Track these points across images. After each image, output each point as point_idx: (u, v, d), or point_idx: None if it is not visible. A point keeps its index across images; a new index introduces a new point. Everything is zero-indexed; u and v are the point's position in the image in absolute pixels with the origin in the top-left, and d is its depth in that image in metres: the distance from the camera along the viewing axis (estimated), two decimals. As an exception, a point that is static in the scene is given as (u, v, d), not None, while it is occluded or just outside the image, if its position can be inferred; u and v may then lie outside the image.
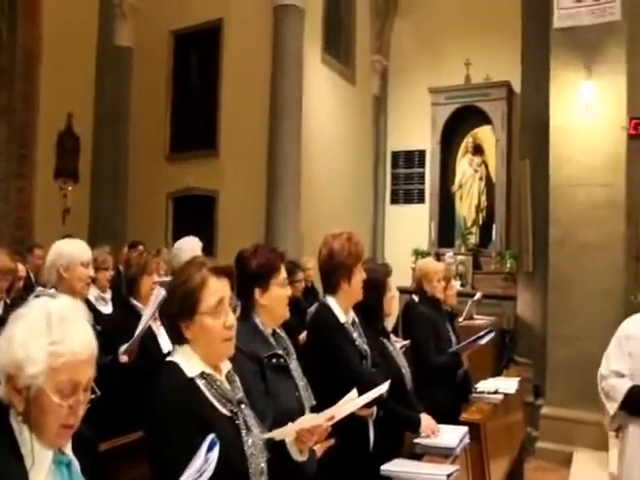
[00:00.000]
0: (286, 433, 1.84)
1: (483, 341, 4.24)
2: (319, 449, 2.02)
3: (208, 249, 5.92)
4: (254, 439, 1.79)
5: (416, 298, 4.56)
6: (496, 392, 4.28)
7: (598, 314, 5.63)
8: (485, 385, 4.47)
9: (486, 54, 11.15)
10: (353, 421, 2.22)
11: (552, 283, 6.12)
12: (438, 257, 10.97)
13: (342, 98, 11.72)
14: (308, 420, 1.86)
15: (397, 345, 3.61)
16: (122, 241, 8.35)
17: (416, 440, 3.09)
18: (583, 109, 5.82)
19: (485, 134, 11.57)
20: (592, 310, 5.75)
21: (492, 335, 4.56)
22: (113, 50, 10.15)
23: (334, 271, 2.69)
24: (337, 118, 11.51)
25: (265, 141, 9.33)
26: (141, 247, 5.75)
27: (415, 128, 12.26)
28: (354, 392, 1.93)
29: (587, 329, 5.65)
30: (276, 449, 1.86)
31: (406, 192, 12.83)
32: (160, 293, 3.01)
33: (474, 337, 4.17)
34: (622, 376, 3.23)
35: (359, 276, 2.71)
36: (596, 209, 5.88)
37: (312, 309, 2.81)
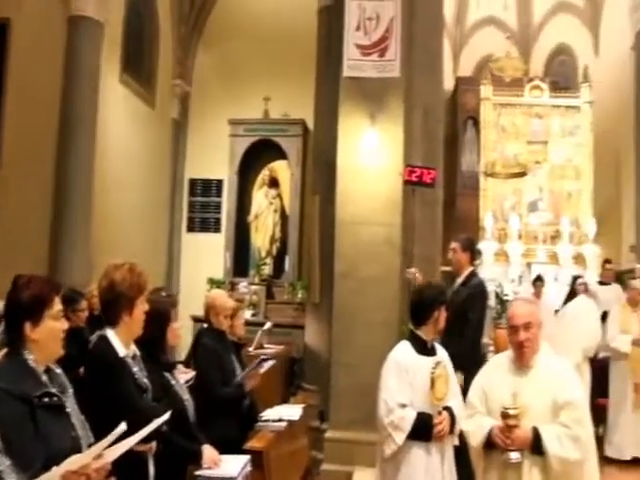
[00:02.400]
0: (50, 478, 1.75)
1: (262, 369, 4.39)
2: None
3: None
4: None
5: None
6: (280, 420, 4.43)
7: (376, 343, 6.06)
8: (270, 413, 4.61)
9: (285, 92, 11.67)
10: (132, 456, 2.18)
11: (336, 313, 6.50)
12: (233, 286, 11.10)
13: (140, 120, 11.45)
14: (73, 461, 1.79)
15: (182, 377, 3.61)
16: None
17: (197, 472, 3.10)
18: (367, 154, 6.33)
19: (281, 168, 12.05)
20: (371, 339, 6.19)
21: (271, 363, 4.74)
22: None
23: (115, 302, 2.63)
24: (134, 141, 11.21)
25: (53, 158, 8.78)
26: None
27: (214, 157, 12.36)
28: (122, 426, 1.90)
29: (366, 357, 6.06)
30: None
31: (203, 220, 12.83)
32: None
33: (252, 366, 4.30)
34: (404, 406, 3.51)
35: (141, 308, 2.67)
36: (376, 246, 6.37)
37: (93, 337, 2.71)
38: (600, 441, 7.40)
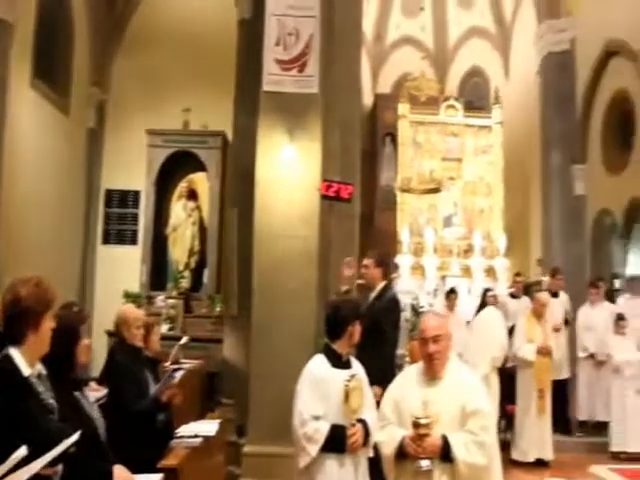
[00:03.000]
0: None
1: (174, 380, 4.34)
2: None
3: None
4: None
5: (121, 343, 4.49)
6: (196, 436, 4.38)
7: (294, 356, 6.08)
8: (186, 429, 4.54)
9: (205, 103, 11.58)
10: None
11: (254, 327, 6.49)
12: (150, 300, 10.86)
13: (53, 128, 11.06)
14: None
15: (93, 395, 3.51)
16: None
17: (108, 493, 3.01)
18: (285, 168, 6.40)
19: (200, 180, 11.93)
20: (288, 352, 6.21)
21: (182, 372, 4.70)
22: None
23: (19, 319, 2.53)
24: (46, 149, 10.81)
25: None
26: None
27: (131, 168, 12.09)
28: (22, 450, 1.83)
29: (284, 370, 6.07)
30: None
31: (119, 232, 12.49)
32: None
33: (164, 379, 4.25)
34: (318, 418, 3.55)
35: (48, 325, 2.59)
36: (293, 259, 6.43)
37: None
38: (508, 446, 7.75)
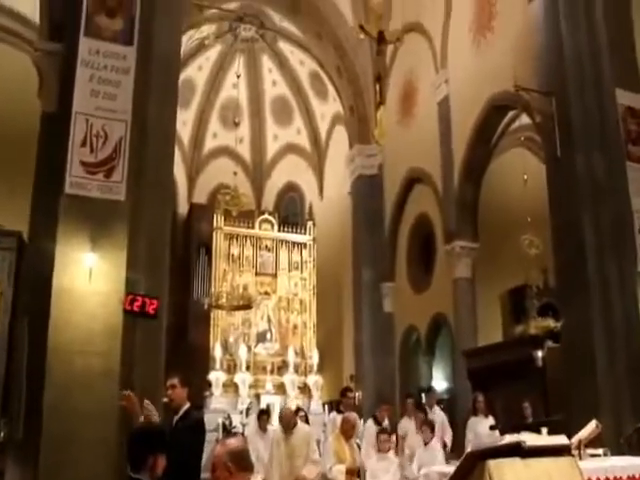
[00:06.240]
0: None
1: None
2: None
3: None
4: None
5: None
6: None
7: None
8: None
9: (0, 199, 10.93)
10: None
11: (44, 451, 5.93)
12: None
13: None
14: None
15: None
16: None
17: None
18: (86, 277, 6.14)
19: (-9, 285, 10.99)
20: (85, 477, 5.78)
21: None
22: None
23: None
24: None
25: None
26: None
27: None
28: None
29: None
30: None
31: None
32: None
33: None
34: None
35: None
36: (92, 376, 6.07)
37: None
38: None
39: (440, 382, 12.46)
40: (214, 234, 13.81)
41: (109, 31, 6.88)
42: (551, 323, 9.22)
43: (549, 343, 9.39)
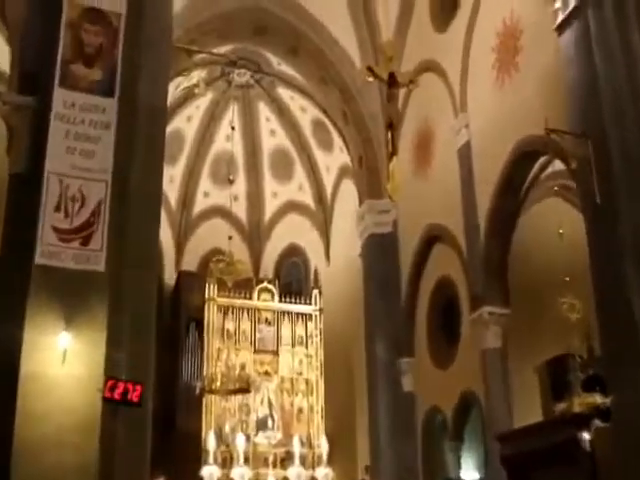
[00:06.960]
0: None
1: None
2: None
3: None
4: None
5: None
6: None
7: None
8: None
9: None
10: None
11: None
12: None
13: None
14: None
15: None
16: None
17: None
18: (59, 361, 6.05)
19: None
20: None
21: None
22: None
23: None
24: None
25: None
26: None
27: None
28: None
29: None
30: None
31: None
32: None
33: None
34: None
35: None
36: (65, 474, 5.93)
37: None
38: None
39: (470, 472, 12.13)
40: (206, 306, 13.71)
41: (87, 81, 6.96)
42: (598, 399, 9.00)
43: (597, 422, 9.15)
